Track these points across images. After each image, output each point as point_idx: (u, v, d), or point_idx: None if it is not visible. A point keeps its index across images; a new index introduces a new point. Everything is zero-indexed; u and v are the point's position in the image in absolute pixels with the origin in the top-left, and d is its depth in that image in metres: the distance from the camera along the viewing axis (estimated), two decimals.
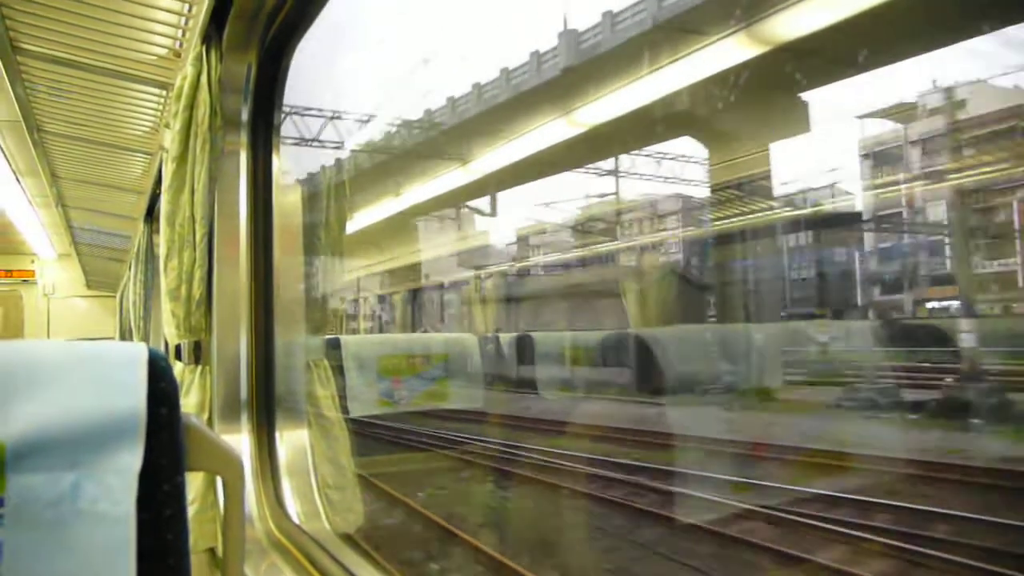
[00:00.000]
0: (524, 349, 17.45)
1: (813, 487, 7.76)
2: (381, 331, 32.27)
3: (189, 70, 2.30)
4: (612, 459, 9.89)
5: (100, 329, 11.90)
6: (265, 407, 2.50)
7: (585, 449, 10.52)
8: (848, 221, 23.93)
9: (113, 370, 0.75)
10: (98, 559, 0.70)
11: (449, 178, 18.91)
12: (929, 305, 23.48)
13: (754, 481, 8.25)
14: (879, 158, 24.05)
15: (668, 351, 14.96)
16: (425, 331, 28.26)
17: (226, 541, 0.92)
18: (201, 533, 2.13)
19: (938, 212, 21.51)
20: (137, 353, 0.76)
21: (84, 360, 0.75)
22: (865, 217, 23.57)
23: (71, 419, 0.71)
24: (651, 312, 18.55)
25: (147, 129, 3.98)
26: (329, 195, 2.78)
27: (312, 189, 2.87)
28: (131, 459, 0.72)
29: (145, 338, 6.48)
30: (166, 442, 0.76)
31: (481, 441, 12.08)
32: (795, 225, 22.96)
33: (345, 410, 2.78)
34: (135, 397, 0.74)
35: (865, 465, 8.34)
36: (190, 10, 2.51)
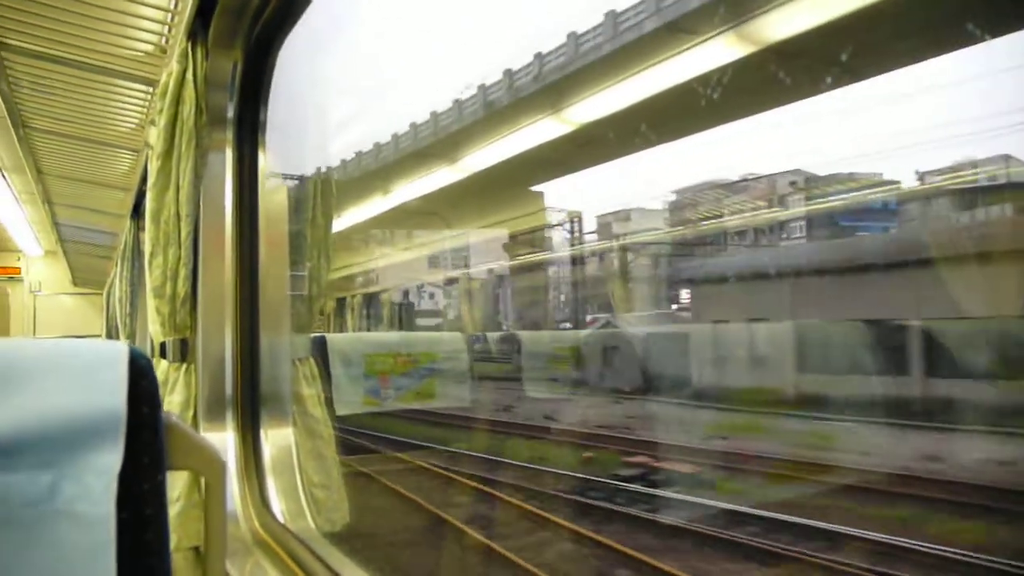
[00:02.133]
0: None
1: None
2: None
3: (174, 66, 2.29)
4: None
5: (87, 327, 11.83)
6: (250, 405, 2.50)
7: None
8: None
9: (93, 369, 0.74)
10: (77, 559, 0.70)
11: None
12: None
13: None
14: None
15: None
16: None
17: (208, 540, 0.92)
18: (185, 532, 2.13)
19: None
20: (118, 352, 0.76)
21: (64, 358, 0.75)
22: None
23: (50, 418, 0.71)
24: None
25: (133, 126, 3.96)
26: (316, 191, 2.78)
27: (300, 190, 2.87)
28: (111, 459, 0.72)
29: (131, 336, 6.45)
30: (147, 441, 0.76)
31: None
32: None
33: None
34: (115, 396, 0.73)
35: None
36: (176, 6, 2.50)
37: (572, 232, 23.83)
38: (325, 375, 2.89)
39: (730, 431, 11.80)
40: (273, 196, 2.63)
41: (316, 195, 2.77)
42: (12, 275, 11.87)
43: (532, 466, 10.26)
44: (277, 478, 2.46)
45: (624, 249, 25.39)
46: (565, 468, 10.06)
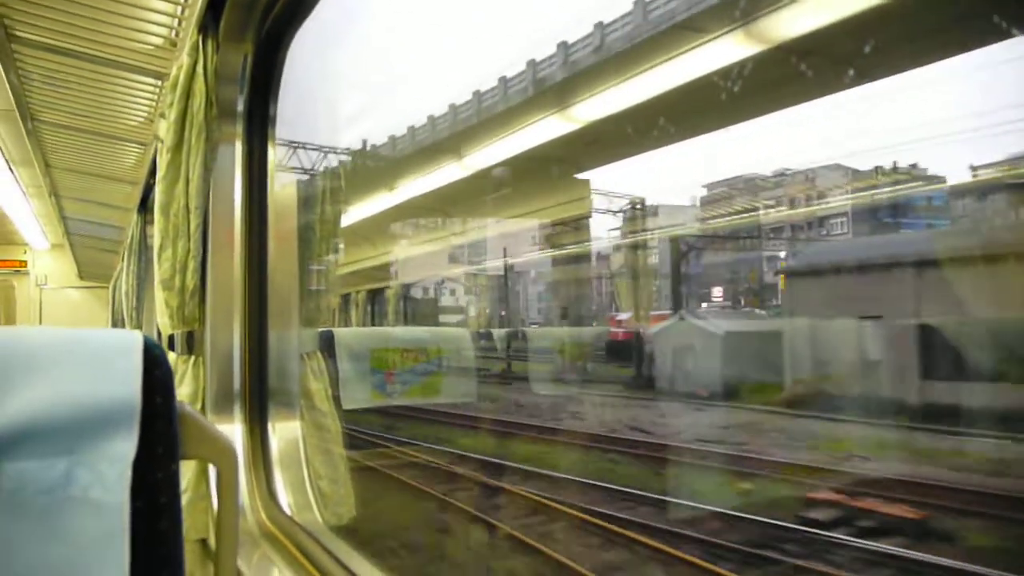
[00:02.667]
0: None
1: None
2: None
3: (185, 59, 2.29)
4: None
5: (92, 320, 11.86)
6: (258, 398, 2.50)
7: None
8: None
9: (108, 357, 0.74)
10: (91, 546, 0.70)
11: None
12: None
13: None
14: None
15: None
16: None
17: (219, 529, 0.92)
18: (193, 523, 2.13)
19: None
20: (132, 341, 0.76)
21: (79, 347, 0.75)
22: None
23: (65, 406, 0.71)
24: None
25: (142, 119, 3.96)
26: (325, 186, 2.78)
27: (310, 186, 2.87)
28: (125, 447, 0.72)
29: (137, 329, 6.45)
30: (161, 430, 0.76)
31: None
32: None
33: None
34: (130, 385, 0.73)
35: None
36: None
37: (635, 219, 20.84)
38: (333, 370, 2.89)
39: (866, 450, 9.67)
40: (282, 190, 2.63)
41: (325, 189, 2.77)
42: (18, 268, 11.89)
43: (682, 502, 7.90)
44: (284, 471, 2.47)
45: (688, 239, 23.01)
46: (730, 506, 7.64)
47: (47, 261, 11.85)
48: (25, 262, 11.84)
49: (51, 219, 8.36)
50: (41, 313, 11.88)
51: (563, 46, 14.43)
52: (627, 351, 19.46)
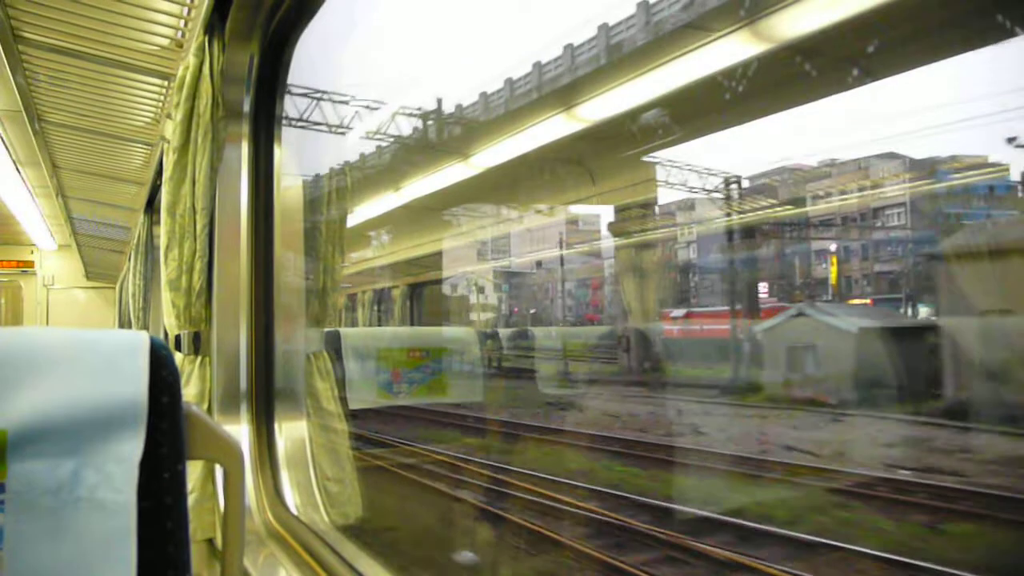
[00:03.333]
0: None
1: None
2: None
3: (191, 60, 2.29)
4: None
5: (99, 320, 11.89)
6: (264, 398, 2.50)
7: None
8: None
9: (115, 358, 0.74)
10: (98, 546, 0.70)
11: None
12: None
13: None
14: None
15: None
16: None
17: (226, 529, 0.92)
18: (199, 524, 2.14)
19: None
20: (139, 341, 0.76)
21: (86, 347, 0.75)
22: None
23: (72, 406, 0.71)
24: None
25: (148, 119, 3.97)
26: (331, 186, 2.78)
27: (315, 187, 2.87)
28: (132, 447, 0.72)
29: (144, 329, 6.47)
30: (167, 430, 0.76)
31: None
32: None
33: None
34: (137, 385, 0.73)
35: None
36: (193, 0, 2.50)
37: (729, 201, 17.65)
38: (340, 370, 2.89)
39: None
40: (288, 190, 2.64)
41: (331, 190, 2.77)
42: (25, 269, 11.93)
43: None
44: (291, 471, 2.47)
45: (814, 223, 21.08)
46: None
47: (54, 261, 11.88)
48: (32, 262, 11.88)
49: (58, 220, 8.38)
50: (48, 313, 11.92)
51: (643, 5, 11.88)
52: (684, 351, 18.54)
